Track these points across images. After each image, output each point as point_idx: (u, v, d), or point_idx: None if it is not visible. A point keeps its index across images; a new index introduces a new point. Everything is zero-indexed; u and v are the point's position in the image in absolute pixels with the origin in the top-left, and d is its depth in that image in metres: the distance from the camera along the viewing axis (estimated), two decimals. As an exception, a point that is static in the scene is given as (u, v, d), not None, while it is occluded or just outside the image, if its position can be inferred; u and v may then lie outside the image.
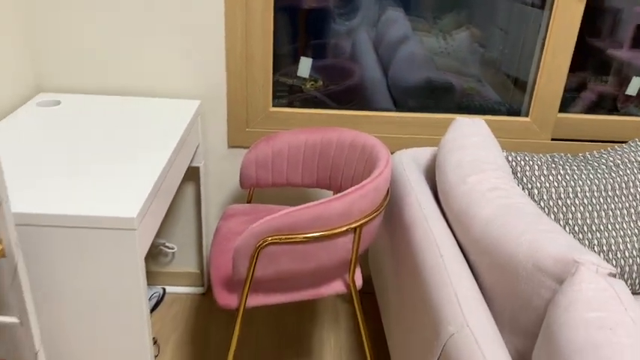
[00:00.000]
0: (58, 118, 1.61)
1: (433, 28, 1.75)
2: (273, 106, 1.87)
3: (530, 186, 1.60)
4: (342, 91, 1.94)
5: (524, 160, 1.64)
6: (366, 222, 1.38)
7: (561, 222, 1.57)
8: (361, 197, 1.34)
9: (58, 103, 1.72)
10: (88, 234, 1.15)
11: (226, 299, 1.43)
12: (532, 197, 1.59)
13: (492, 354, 0.99)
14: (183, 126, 1.59)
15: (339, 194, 1.32)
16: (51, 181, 1.25)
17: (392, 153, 1.88)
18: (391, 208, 1.61)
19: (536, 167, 1.62)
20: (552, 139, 1.95)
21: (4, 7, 1.60)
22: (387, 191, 1.51)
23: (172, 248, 2.08)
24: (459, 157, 1.50)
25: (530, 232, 1.14)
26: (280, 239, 1.30)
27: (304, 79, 1.90)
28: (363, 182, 1.36)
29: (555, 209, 1.58)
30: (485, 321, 1.08)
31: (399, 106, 1.93)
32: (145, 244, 1.23)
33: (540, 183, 1.60)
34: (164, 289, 2.10)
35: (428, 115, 1.89)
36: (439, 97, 1.96)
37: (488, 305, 1.21)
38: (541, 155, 1.66)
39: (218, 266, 1.51)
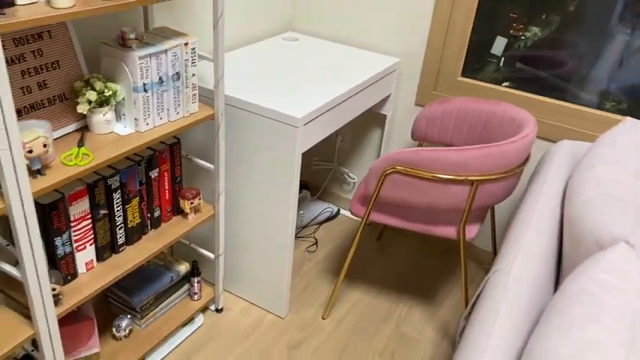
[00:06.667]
0: (291, 50, 2.12)
1: None
2: (462, 76, 2.10)
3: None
4: (542, 78, 2.04)
5: (688, 175, 1.57)
6: (484, 179, 1.56)
7: None
8: (480, 156, 1.53)
9: (296, 40, 2.25)
10: (268, 122, 1.62)
11: (357, 209, 1.78)
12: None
13: (512, 292, 1.14)
14: (373, 72, 1.95)
15: (459, 147, 1.54)
16: (262, 85, 1.76)
17: (555, 142, 1.94)
18: (529, 185, 1.73)
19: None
20: None
21: (278, -38, 2.17)
22: (524, 162, 1.65)
23: (353, 179, 2.50)
24: (604, 151, 1.55)
25: (608, 217, 1.21)
26: (404, 170, 1.59)
27: (497, 56, 2.07)
28: (489, 144, 1.54)
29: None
30: (529, 270, 1.22)
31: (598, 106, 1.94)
32: (304, 144, 1.65)
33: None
34: (339, 209, 2.54)
35: (605, 113, 1.89)
36: None
37: (563, 273, 1.31)
38: None
39: (361, 187, 1.87)
